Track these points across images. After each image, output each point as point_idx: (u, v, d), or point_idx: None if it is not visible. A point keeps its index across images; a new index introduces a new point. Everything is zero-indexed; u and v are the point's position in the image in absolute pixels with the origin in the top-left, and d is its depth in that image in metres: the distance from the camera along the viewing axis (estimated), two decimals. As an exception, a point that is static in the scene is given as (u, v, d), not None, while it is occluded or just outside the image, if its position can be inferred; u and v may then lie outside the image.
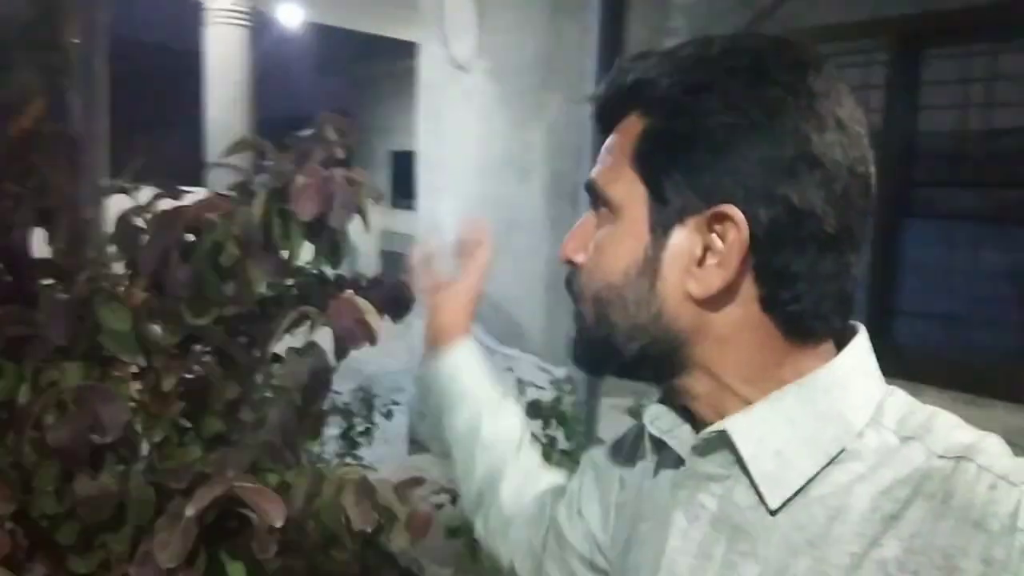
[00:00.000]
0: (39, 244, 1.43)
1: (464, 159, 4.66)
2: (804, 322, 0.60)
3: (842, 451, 0.58)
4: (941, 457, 0.55)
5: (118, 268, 1.45)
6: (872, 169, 0.61)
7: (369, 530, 1.44)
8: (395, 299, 1.61)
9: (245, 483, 1.22)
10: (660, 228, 0.61)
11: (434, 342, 1.08)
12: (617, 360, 0.66)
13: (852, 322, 0.64)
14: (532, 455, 1.04)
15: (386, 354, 2.51)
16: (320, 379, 1.47)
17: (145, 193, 1.49)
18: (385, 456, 4.19)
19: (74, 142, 1.46)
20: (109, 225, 1.47)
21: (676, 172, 0.60)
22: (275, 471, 1.40)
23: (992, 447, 0.56)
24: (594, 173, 0.67)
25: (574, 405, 3.36)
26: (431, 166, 5.01)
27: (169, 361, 1.38)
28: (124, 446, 1.28)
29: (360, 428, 3.82)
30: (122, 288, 1.38)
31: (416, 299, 1.66)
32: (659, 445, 0.70)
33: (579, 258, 0.69)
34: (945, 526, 0.53)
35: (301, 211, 1.41)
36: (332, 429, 3.63)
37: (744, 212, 0.57)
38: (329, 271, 1.59)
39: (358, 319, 1.43)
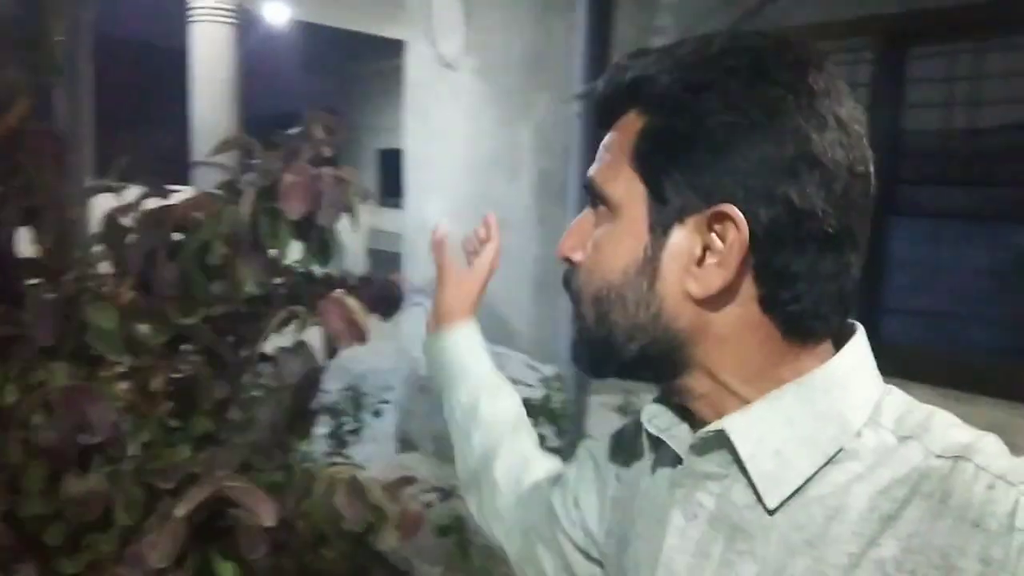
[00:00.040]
0: (25, 243, 1.42)
1: (452, 157, 4.65)
2: (803, 322, 0.60)
3: (840, 451, 0.58)
4: (939, 457, 0.55)
5: (105, 267, 1.45)
6: (872, 169, 0.61)
7: (359, 529, 1.44)
8: (384, 298, 1.61)
9: (235, 483, 1.21)
10: (659, 227, 0.61)
11: (439, 320, 1.09)
12: (617, 360, 0.66)
13: (851, 321, 0.64)
14: (528, 438, 1.05)
15: (375, 353, 2.51)
16: (310, 379, 1.47)
17: (131, 192, 1.48)
18: (374, 455, 4.18)
19: (60, 141, 1.45)
20: (95, 224, 1.46)
21: (676, 171, 0.60)
22: (265, 471, 1.39)
23: (990, 447, 0.56)
24: (592, 171, 0.67)
25: (563, 403, 3.37)
26: (419, 164, 5.00)
27: (157, 361, 1.38)
28: (112, 446, 1.27)
29: (349, 427, 3.81)
30: (109, 288, 1.37)
31: (405, 298, 1.66)
32: (657, 443, 0.70)
33: (577, 256, 0.68)
34: (943, 526, 0.53)
35: (289, 210, 1.40)
36: (321, 428, 3.62)
37: (744, 212, 0.57)
38: (318, 270, 1.58)
39: (347, 318, 1.43)
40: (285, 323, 1.46)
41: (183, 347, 1.46)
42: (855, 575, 0.55)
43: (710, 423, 0.63)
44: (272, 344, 1.50)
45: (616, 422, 0.87)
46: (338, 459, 3.09)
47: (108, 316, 1.31)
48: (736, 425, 0.61)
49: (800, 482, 0.59)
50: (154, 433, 1.36)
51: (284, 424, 1.45)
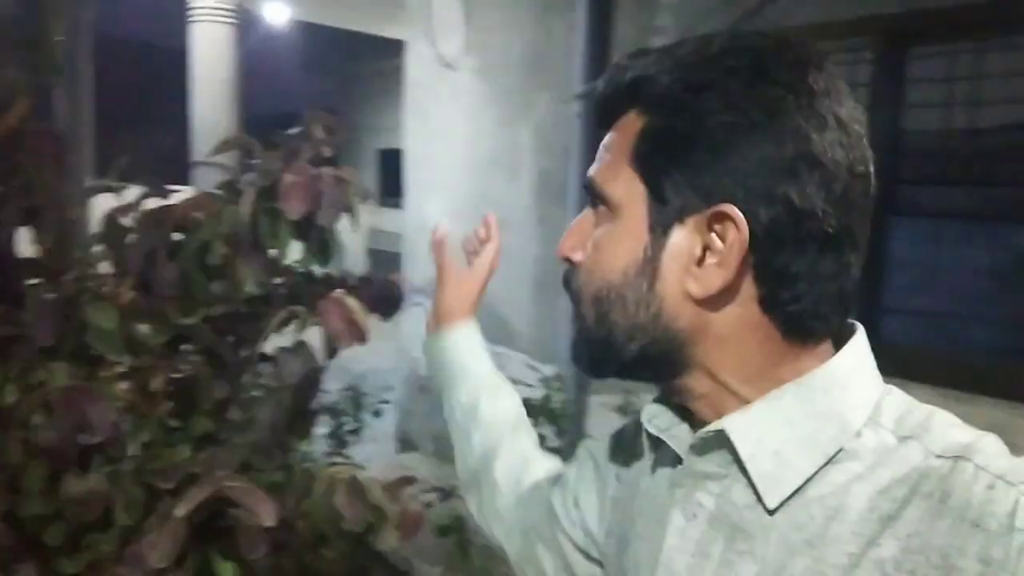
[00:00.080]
0: (25, 243, 1.42)
1: (452, 157, 4.65)
2: (804, 322, 0.60)
3: (840, 451, 0.58)
4: (939, 457, 0.55)
5: (105, 267, 1.45)
6: (872, 169, 0.61)
7: (359, 529, 1.44)
8: (384, 298, 1.61)
9: (235, 483, 1.21)
10: (659, 227, 0.61)
11: (439, 320, 1.09)
12: (616, 360, 0.66)
13: (851, 321, 0.64)
14: (528, 438, 1.05)
15: (375, 353, 2.51)
16: (310, 379, 1.47)
17: (131, 192, 1.48)
18: (374, 455, 4.18)
19: (60, 141, 1.45)
20: (95, 224, 1.47)
21: (676, 171, 0.60)
22: (265, 471, 1.39)
23: (990, 446, 0.56)
24: (592, 171, 0.67)
25: (563, 403, 3.37)
26: (419, 164, 5.00)
27: (157, 361, 1.38)
28: (112, 446, 1.27)
29: (349, 427, 3.81)
30: (109, 288, 1.37)
31: (404, 298, 1.66)
32: (657, 443, 0.70)
33: (577, 256, 0.68)
34: (943, 526, 0.53)
35: (289, 210, 1.40)
36: (321, 428, 3.62)
37: (744, 212, 0.57)
38: (318, 270, 1.58)
39: (347, 318, 1.43)
40: (285, 323, 1.46)
41: (183, 347, 1.46)
42: (855, 575, 0.55)
43: (710, 423, 0.63)
44: (272, 344, 1.50)
45: (616, 422, 0.87)
46: (338, 459, 3.09)
47: (108, 316, 1.31)
48: (736, 425, 0.61)
49: (800, 482, 0.58)
50: (154, 433, 1.36)
51: (284, 424, 1.45)
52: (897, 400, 0.61)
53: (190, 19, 8.94)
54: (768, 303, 0.60)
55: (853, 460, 0.58)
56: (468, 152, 4.54)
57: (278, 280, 1.55)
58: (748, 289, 0.60)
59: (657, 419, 0.69)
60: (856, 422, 0.59)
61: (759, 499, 0.60)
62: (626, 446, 0.81)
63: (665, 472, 0.70)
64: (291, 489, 1.44)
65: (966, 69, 2.71)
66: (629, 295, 0.63)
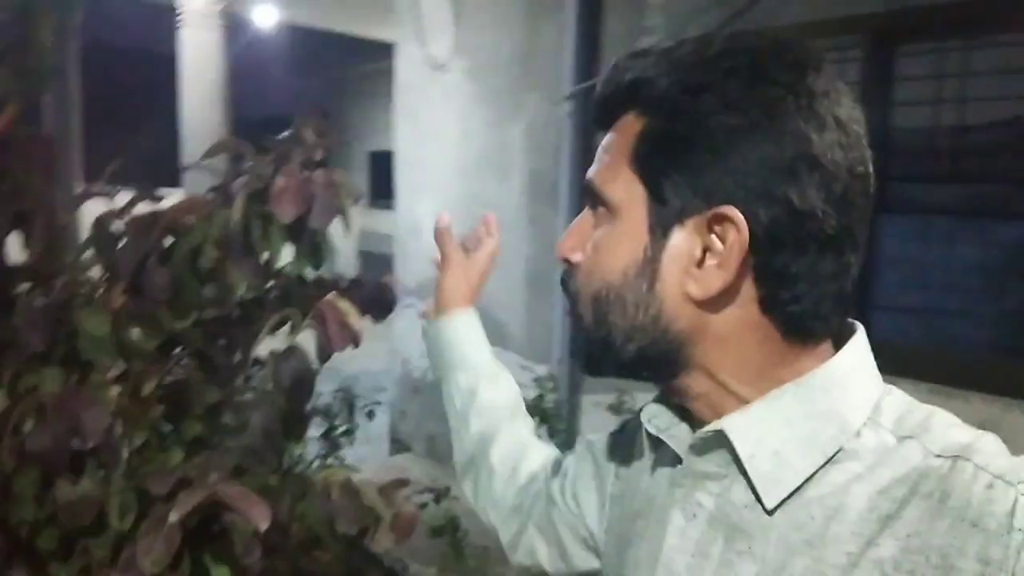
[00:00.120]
0: (15, 249, 1.41)
1: (442, 159, 4.65)
2: (803, 323, 0.60)
3: (839, 451, 0.58)
4: (938, 456, 0.55)
5: (96, 272, 1.44)
6: (871, 169, 0.61)
7: (354, 532, 1.43)
8: (376, 300, 1.60)
9: (228, 487, 1.21)
10: (659, 229, 0.61)
11: (440, 306, 1.10)
12: (616, 361, 0.66)
13: (851, 321, 0.64)
14: (525, 425, 1.06)
15: (367, 354, 2.50)
16: (303, 382, 1.47)
17: (122, 196, 1.48)
18: (367, 456, 4.18)
19: (49, 145, 1.44)
20: (85, 229, 1.46)
21: (675, 173, 0.60)
22: (258, 474, 1.39)
23: (989, 446, 0.56)
24: (591, 172, 0.67)
25: (556, 403, 3.37)
26: (410, 166, 5.00)
27: (149, 365, 1.37)
28: (105, 451, 1.27)
29: (342, 429, 3.81)
30: (100, 292, 1.37)
31: (397, 299, 1.66)
32: (656, 443, 0.70)
33: (576, 257, 0.68)
34: (942, 525, 0.53)
35: (281, 213, 1.40)
36: (313, 430, 3.62)
37: (744, 213, 0.57)
38: (310, 273, 1.58)
39: (340, 321, 1.43)
40: (278, 327, 1.46)
41: (175, 351, 1.46)
42: (854, 575, 0.55)
43: (709, 423, 0.63)
44: (265, 347, 1.50)
45: (609, 420, 0.88)
46: (332, 461, 3.09)
47: (99, 321, 1.31)
48: (735, 425, 0.61)
49: (799, 482, 0.59)
50: (147, 437, 1.36)
51: (277, 428, 1.45)
52: (897, 400, 0.61)
53: (179, 24, 8.92)
54: (768, 304, 0.60)
55: (853, 460, 0.58)
56: (459, 153, 4.54)
57: (270, 284, 1.55)
58: (748, 290, 0.60)
59: (657, 419, 0.69)
60: (856, 422, 0.59)
61: (758, 499, 0.60)
62: (626, 445, 0.81)
63: (665, 472, 0.70)
64: (285, 492, 1.44)
65: (954, 67, 2.73)
66: (628, 296, 0.63)
